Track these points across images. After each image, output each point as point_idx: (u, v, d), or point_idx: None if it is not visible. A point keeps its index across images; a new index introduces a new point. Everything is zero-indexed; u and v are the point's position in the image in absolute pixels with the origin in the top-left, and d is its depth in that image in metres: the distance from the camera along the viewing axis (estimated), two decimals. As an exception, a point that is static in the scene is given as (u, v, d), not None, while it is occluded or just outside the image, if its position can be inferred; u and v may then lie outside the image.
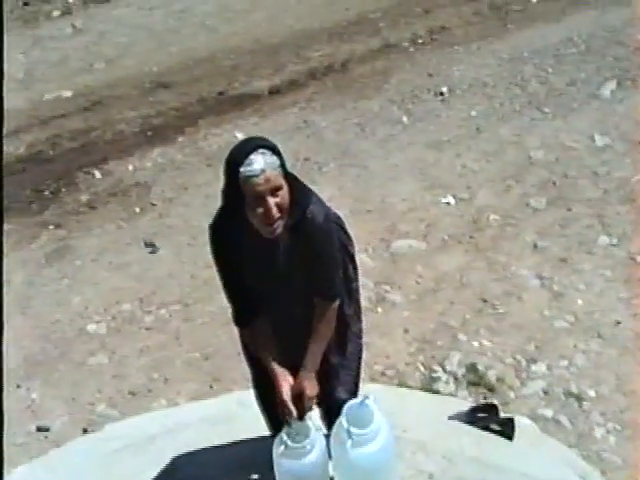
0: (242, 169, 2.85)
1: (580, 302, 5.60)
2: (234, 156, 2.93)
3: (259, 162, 2.85)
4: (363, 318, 3.55)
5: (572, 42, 9.20)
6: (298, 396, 3.22)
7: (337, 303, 3.24)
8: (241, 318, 3.27)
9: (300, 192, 3.06)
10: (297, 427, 3.18)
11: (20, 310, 6.08)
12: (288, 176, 2.99)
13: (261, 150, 2.89)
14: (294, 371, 3.25)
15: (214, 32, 10.70)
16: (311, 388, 3.25)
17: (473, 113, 8.08)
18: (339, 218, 3.36)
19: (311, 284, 3.17)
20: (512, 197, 6.79)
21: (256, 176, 2.84)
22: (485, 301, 5.67)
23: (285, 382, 3.21)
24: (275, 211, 2.90)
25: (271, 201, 2.89)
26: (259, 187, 2.86)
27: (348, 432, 3.09)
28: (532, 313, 5.55)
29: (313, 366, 3.25)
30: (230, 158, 2.94)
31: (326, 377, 3.36)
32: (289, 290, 3.18)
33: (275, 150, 2.94)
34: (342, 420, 3.14)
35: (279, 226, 2.97)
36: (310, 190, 3.14)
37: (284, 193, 2.93)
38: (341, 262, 3.27)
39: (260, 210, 2.90)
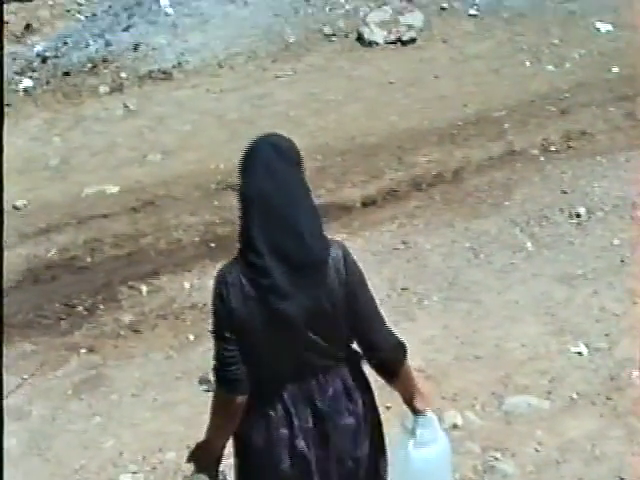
0: None
1: None
2: None
3: None
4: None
5: None
6: None
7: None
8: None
9: None
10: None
11: (37, 451, 6.26)
12: None
13: None
14: None
15: (298, 125, 11.01)
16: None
17: (617, 242, 8.16)
18: None
19: None
20: (662, 349, 6.84)
21: None
22: (623, 480, 5.72)
23: None
24: None
25: None
26: None
27: (411, 431, 3.89)
28: (682, 499, 5.56)
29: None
30: None
31: None
32: None
33: None
34: (404, 423, 3.95)
35: None
36: None
37: None
38: None
39: None
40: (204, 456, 3.82)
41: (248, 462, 3.84)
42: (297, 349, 3.62)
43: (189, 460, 3.91)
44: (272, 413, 3.68)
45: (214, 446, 3.80)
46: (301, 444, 3.70)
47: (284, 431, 3.69)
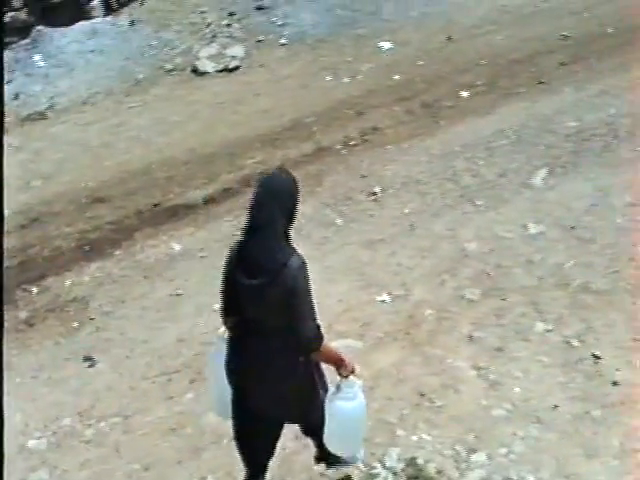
0: None
1: (517, 390, 5.77)
2: None
3: None
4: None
5: (503, 134, 9.54)
6: None
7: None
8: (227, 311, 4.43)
9: None
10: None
11: (-44, 432, 6.10)
12: None
13: None
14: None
15: (149, 144, 10.90)
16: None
17: (406, 211, 8.32)
18: None
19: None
20: (447, 291, 6.98)
21: None
22: (422, 395, 5.81)
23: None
24: None
25: None
26: None
27: (339, 387, 4.50)
28: (470, 404, 5.70)
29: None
30: None
31: None
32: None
33: None
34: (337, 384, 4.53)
35: None
36: None
37: None
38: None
39: None
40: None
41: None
42: (249, 311, 4.24)
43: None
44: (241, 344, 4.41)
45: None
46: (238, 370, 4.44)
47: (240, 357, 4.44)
